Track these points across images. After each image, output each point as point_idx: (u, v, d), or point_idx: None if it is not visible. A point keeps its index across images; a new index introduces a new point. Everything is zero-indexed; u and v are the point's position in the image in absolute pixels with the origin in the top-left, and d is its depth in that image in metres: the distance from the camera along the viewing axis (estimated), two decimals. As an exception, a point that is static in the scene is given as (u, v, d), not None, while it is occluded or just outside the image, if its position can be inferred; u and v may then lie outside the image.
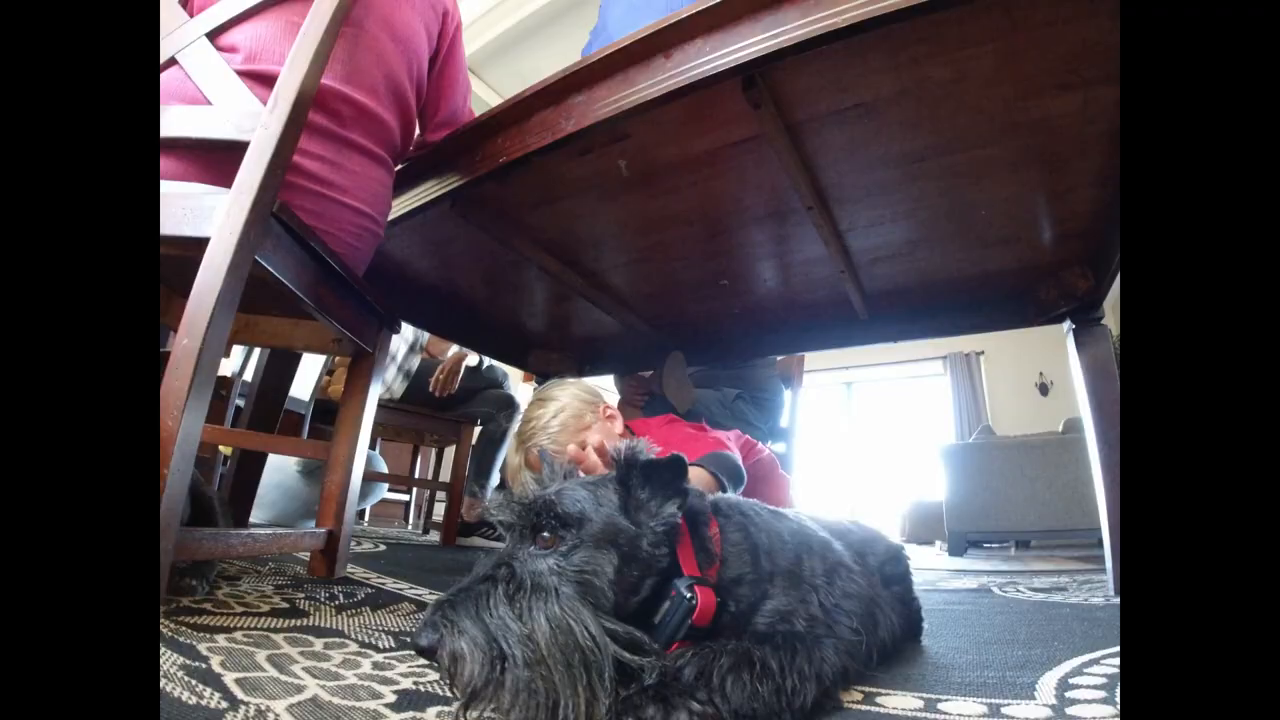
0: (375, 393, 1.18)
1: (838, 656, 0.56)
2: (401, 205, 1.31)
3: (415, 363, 2.14)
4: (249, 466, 1.53)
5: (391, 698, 0.54)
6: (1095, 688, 0.64)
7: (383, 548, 1.96)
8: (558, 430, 1.19)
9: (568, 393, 1.27)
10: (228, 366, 2.37)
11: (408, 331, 2.11)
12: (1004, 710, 0.57)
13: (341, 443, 1.14)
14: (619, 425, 1.28)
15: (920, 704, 0.58)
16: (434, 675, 0.60)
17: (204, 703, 0.47)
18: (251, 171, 0.76)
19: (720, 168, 1.14)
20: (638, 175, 1.16)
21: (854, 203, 1.22)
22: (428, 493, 2.94)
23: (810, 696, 0.50)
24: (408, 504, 3.37)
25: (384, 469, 2.54)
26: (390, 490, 2.76)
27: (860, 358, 6.47)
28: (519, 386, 2.47)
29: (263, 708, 0.48)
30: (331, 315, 0.98)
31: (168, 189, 0.80)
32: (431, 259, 1.67)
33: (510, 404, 2.41)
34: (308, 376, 2.49)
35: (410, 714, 0.50)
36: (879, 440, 6.77)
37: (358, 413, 1.14)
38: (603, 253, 1.53)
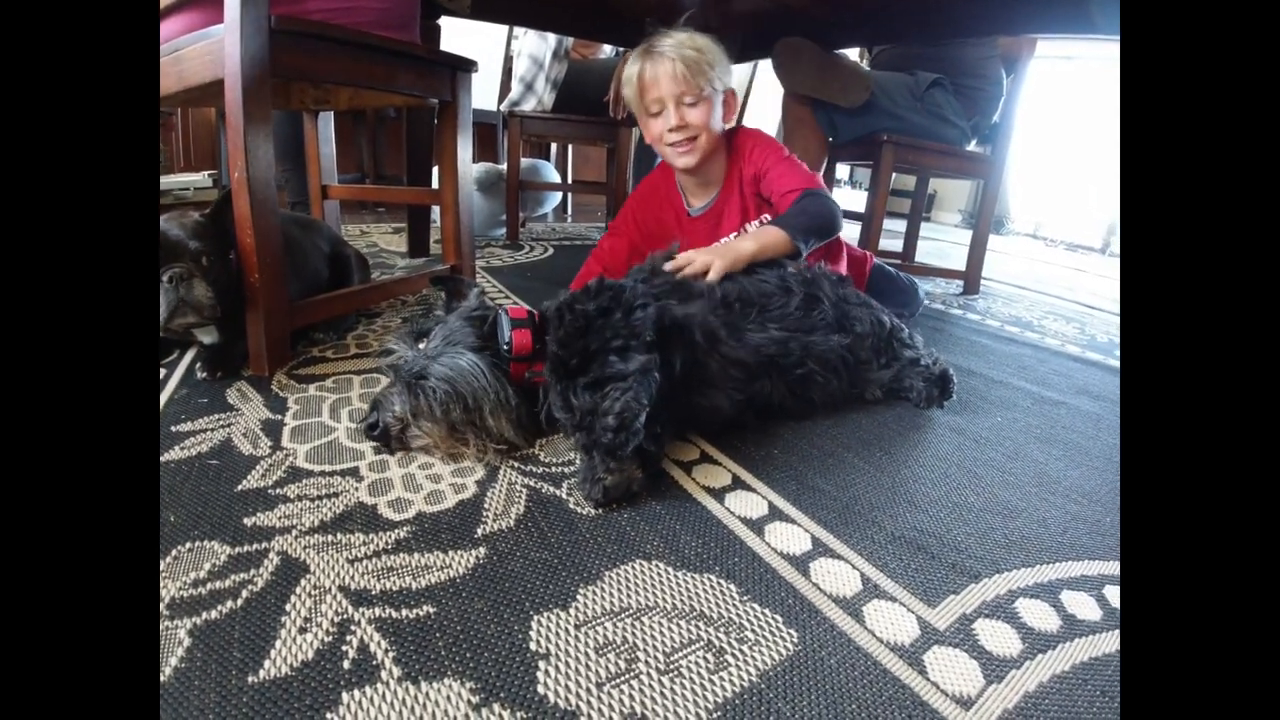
0: (467, 138, 1.21)
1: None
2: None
3: (562, 70, 2.05)
4: (416, 208, 1.84)
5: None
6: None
7: (550, 253, 2.09)
8: (694, 54, 1.06)
9: (716, 47, 1.12)
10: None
11: (550, 39, 1.99)
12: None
13: (447, 188, 1.24)
14: (733, 117, 1.18)
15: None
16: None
17: (255, 453, 0.66)
18: (231, 9, 0.78)
19: None
20: None
21: None
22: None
23: None
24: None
25: (555, 178, 2.66)
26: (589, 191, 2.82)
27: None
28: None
29: (291, 451, 0.67)
30: (388, 84, 1.00)
31: (185, 41, 0.87)
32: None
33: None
34: (489, 89, 2.56)
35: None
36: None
37: (454, 159, 1.20)
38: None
